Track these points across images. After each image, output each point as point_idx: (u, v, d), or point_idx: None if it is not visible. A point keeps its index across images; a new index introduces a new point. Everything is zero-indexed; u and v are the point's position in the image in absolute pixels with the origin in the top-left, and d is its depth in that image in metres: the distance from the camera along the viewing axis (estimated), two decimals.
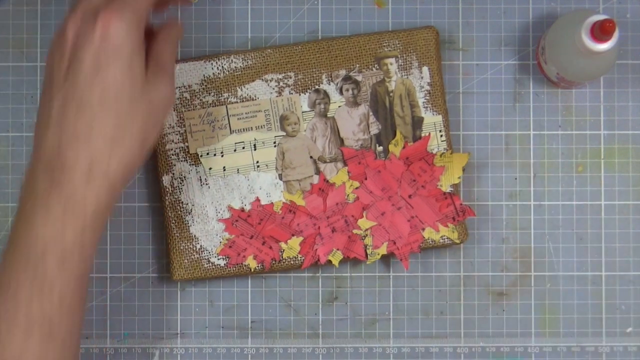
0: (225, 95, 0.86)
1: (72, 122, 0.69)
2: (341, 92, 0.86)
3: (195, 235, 0.86)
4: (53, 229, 0.68)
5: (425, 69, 0.86)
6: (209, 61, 0.86)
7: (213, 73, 0.86)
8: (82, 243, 0.68)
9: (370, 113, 0.86)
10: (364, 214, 0.86)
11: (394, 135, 0.86)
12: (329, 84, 0.86)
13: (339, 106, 0.86)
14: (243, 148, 0.86)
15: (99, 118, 0.68)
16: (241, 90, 0.86)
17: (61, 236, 0.68)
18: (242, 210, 0.86)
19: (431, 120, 0.86)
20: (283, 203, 0.86)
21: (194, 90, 0.86)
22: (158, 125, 0.72)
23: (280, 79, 0.86)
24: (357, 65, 0.86)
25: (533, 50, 0.88)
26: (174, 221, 0.86)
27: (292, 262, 0.86)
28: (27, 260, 0.68)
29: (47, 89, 0.71)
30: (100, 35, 0.68)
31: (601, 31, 0.75)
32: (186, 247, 0.86)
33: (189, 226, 0.86)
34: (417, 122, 0.86)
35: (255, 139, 0.86)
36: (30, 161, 0.71)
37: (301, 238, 0.86)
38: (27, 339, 0.68)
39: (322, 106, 0.86)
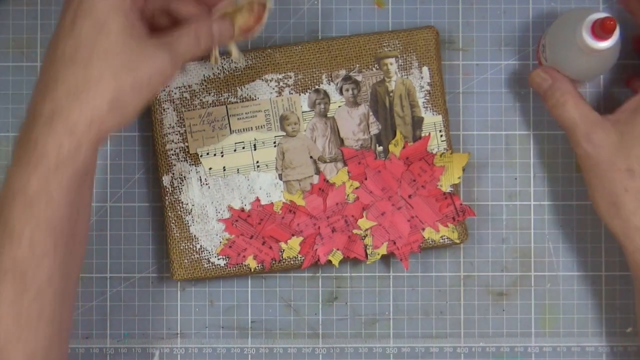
0: (225, 95, 0.86)
1: (43, 73, 0.70)
2: (341, 92, 0.86)
3: (195, 235, 0.86)
4: (20, 178, 0.69)
5: (425, 69, 0.86)
6: (209, 61, 0.86)
7: (213, 73, 0.86)
8: (47, 190, 0.69)
9: (370, 113, 0.86)
10: (364, 214, 0.86)
11: (394, 135, 0.86)
12: (329, 84, 0.86)
13: (339, 106, 0.86)
14: (243, 148, 0.86)
15: (65, 68, 0.69)
16: (241, 90, 0.86)
17: (26, 183, 0.68)
18: (242, 210, 0.86)
19: (431, 120, 0.86)
20: (283, 203, 0.86)
21: (194, 90, 0.86)
22: (141, 93, 0.70)
23: (280, 79, 0.86)
24: (357, 65, 0.86)
25: (533, 50, 0.88)
26: (174, 221, 0.86)
27: (292, 262, 0.86)
28: None
29: None
30: None
31: (602, 29, 0.75)
32: (186, 247, 0.86)
33: (189, 226, 0.86)
34: (417, 122, 0.86)
35: (255, 139, 0.86)
36: None
37: (301, 238, 0.86)
38: None
39: (322, 106, 0.86)
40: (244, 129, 0.86)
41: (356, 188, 0.86)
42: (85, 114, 0.68)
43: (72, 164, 0.69)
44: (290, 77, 0.86)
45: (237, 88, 0.86)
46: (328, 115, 0.86)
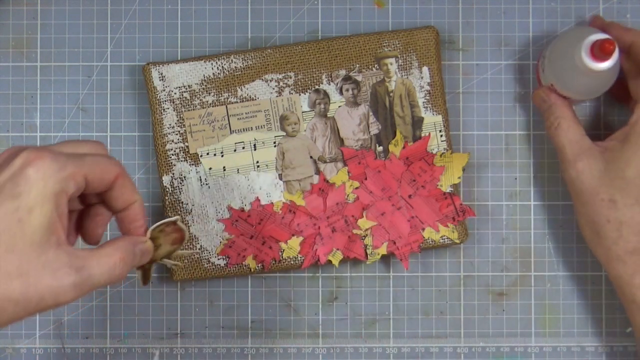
0: (225, 95, 0.86)
1: None
2: (341, 92, 0.86)
3: (195, 235, 0.86)
4: None
5: (425, 69, 0.86)
6: (209, 61, 0.86)
7: (213, 73, 0.86)
8: None
9: (370, 113, 0.86)
10: (364, 214, 0.86)
11: (394, 135, 0.86)
12: (329, 84, 0.86)
13: (339, 106, 0.86)
14: (243, 148, 0.86)
15: None
16: (241, 90, 0.86)
17: None
18: (242, 210, 0.86)
19: (431, 120, 0.86)
20: (283, 203, 0.86)
21: (194, 90, 0.86)
22: (22, 311, 0.62)
23: (280, 79, 0.86)
24: (357, 65, 0.86)
25: (533, 50, 0.88)
26: None
27: (292, 262, 0.86)
28: None
29: None
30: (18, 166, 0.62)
31: (601, 51, 0.75)
32: (186, 247, 0.86)
33: (189, 226, 0.86)
34: (417, 122, 0.86)
35: (255, 139, 0.86)
36: None
37: (301, 238, 0.86)
38: None
39: (322, 106, 0.86)
40: (244, 129, 0.86)
41: (356, 188, 0.86)
42: None
43: None
44: (290, 77, 0.86)
45: (237, 88, 0.86)
46: (328, 115, 0.86)
